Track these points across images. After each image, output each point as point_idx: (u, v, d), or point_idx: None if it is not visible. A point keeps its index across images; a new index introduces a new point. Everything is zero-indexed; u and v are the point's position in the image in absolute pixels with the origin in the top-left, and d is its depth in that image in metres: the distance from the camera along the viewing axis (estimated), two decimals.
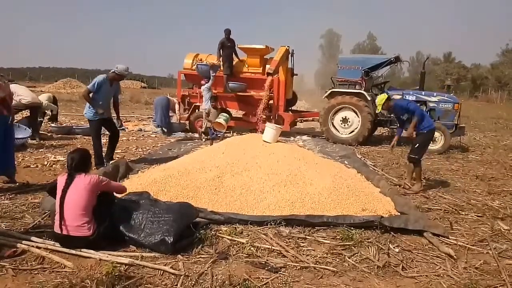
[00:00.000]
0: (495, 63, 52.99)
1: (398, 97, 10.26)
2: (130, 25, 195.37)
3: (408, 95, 10.25)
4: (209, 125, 9.29)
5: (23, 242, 3.49)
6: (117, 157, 7.45)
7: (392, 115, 9.39)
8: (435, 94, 10.41)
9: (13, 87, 9.11)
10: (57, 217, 3.42)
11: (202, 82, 10.68)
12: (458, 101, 10.26)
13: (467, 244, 4.02)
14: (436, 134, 9.36)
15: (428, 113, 9.77)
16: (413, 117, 5.87)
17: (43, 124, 10.38)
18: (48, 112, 11.23)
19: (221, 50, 11.04)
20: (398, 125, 6.48)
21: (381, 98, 6.17)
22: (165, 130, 10.99)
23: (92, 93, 6.36)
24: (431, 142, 9.24)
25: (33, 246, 3.44)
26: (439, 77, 49.55)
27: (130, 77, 52.76)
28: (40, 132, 9.38)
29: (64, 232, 3.39)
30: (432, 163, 8.27)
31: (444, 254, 3.73)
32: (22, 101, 8.74)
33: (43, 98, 10.44)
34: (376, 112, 6.80)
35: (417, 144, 5.95)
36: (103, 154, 6.69)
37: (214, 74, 10.55)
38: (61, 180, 3.53)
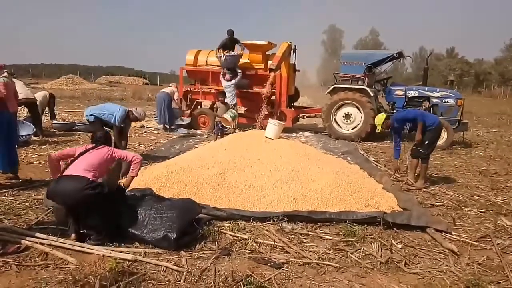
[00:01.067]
0: (499, 58, 52.76)
1: (401, 93, 10.25)
2: (132, 22, 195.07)
3: (411, 90, 10.22)
4: (217, 119, 9.29)
5: (27, 238, 3.50)
6: None
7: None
8: (438, 89, 10.37)
9: None
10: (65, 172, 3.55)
11: (227, 77, 10.57)
12: (461, 96, 10.23)
13: (470, 240, 4.01)
14: None
15: (431, 109, 9.79)
16: (417, 123, 5.91)
17: (44, 121, 10.39)
18: (46, 109, 11.21)
19: (220, 50, 11.00)
20: (395, 143, 6.31)
21: (380, 118, 6.21)
22: (168, 127, 10.99)
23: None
24: None
25: (36, 242, 3.45)
26: (442, 73, 49.30)
27: (132, 73, 52.85)
28: (43, 128, 9.39)
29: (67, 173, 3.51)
30: (435, 158, 8.24)
31: (447, 250, 3.72)
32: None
33: (39, 96, 10.44)
34: (377, 131, 6.77)
35: (427, 141, 5.95)
36: None
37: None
38: (80, 148, 3.76)
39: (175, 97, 11.43)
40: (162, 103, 10.86)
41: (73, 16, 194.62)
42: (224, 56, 10.58)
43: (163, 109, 10.87)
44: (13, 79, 9.27)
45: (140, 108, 6.67)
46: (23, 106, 8.70)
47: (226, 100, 10.08)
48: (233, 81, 10.46)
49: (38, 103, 9.86)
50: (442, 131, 9.24)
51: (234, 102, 10.47)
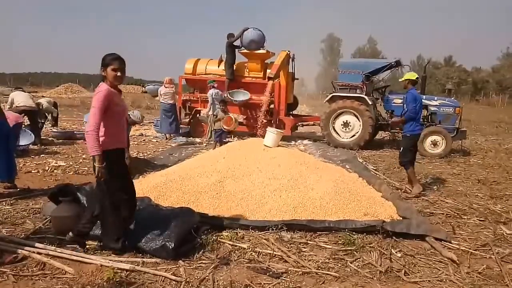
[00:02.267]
0: (496, 67, 53.01)
1: (399, 101, 10.28)
2: (131, 31, 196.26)
3: None
4: (217, 127, 9.29)
5: (24, 248, 3.48)
6: None
7: None
8: (436, 98, 10.42)
9: (12, 95, 9.18)
10: None
11: (214, 85, 10.52)
12: (459, 104, 10.28)
13: (469, 248, 4.00)
14: (438, 138, 9.39)
15: (429, 117, 9.83)
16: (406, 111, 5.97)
17: (44, 129, 10.40)
18: (49, 117, 11.26)
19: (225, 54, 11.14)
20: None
21: (413, 75, 6.12)
22: (170, 136, 10.97)
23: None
24: (433, 146, 9.32)
25: (34, 252, 3.43)
26: (440, 81, 49.50)
27: (131, 82, 52.91)
28: (41, 137, 9.39)
29: None
30: (434, 167, 8.25)
31: (446, 259, 3.71)
32: (18, 107, 8.77)
33: (44, 101, 10.49)
34: (399, 80, 6.68)
35: (402, 148, 6.09)
36: None
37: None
38: None
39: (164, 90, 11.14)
40: (171, 113, 10.86)
41: (73, 25, 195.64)
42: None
43: (165, 116, 10.86)
44: (15, 92, 9.37)
45: (137, 111, 6.64)
46: (23, 115, 8.71)
47: (204, 111, 10.14)
48: (217, 90, 10.42)
49: (44, 107, 9.91)
50: (441, 139, 9.33)
51: (211, 113, 10.19)
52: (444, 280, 3.34)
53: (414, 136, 6.01)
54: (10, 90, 21.67)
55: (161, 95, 11.08)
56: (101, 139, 3.28)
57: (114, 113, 3.36)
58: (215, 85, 10.48)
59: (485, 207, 5.43)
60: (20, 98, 8.97)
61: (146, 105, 23.64)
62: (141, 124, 11.04)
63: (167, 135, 11.07)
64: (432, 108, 9.97)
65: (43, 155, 8.02)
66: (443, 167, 8.24)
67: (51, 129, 10.84)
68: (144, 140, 10.83)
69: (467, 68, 55.57)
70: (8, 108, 8.92)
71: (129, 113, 6.58)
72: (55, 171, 6.73)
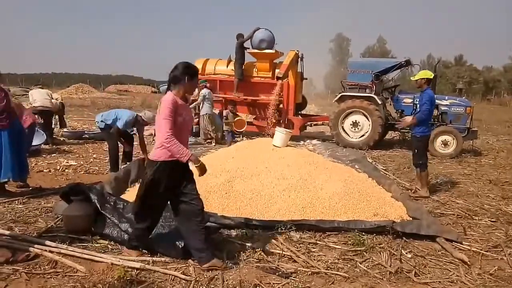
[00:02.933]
0: (508, 66, 52.28)
1: (409, 100, 10.20)
2: (141, 31, 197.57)
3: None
4: (228, 128, 9.37)
5: (36, 246, 3.52)
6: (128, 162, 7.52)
7: None
8: (446, 97, 10.31)
9: (31, 92, 9.34)
10: None
11: (206, 84, 10.52)
12: (470, 104, 10.16)
13: (481, 249, 3.96)
14: (448, 138, 9.30)
15: (440, 117, 9.74)
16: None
17: (54, 129, 10.52)
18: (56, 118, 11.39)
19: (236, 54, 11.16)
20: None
21: (429, 73, 5.97)
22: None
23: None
24: (444, 146, 9.24)
25: (46, 250, 3.47)
26: (451, 80, 48.95)
27: (141, 82, 53.29)
28: (53, 137, 9.51)
29: None
30: (445, 167, 8.18)
31: (457, 260, 3.68)
32: (35, 107, 8.90)
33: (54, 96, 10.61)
34: (411, 78, 6.55)
35: (416, 150, 5.98)
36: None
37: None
38: None
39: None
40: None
41: (83, 26, 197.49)
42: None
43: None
44: (38, 88, 9.49)
45: (148, 112, 6.65)
46: (39, 115, 8.84)
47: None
48: (202, 91, 10.31)
49: (55, 103, 10.03)
50: (452, 139, 9.25)
51: (204, 113, 10.17)
52: (455, 281, 3.31)
53: (424, 137, 5.95)
54: (21, 91, 22.01)
55: None
56: (159, 149, 3.24)
57: (177, 123, 3.23)
58: (207, 85, 10.52)
59: (497, 208, 5.37)
60: (37, 97, 9.09)
61: (156, 105, 23.79)
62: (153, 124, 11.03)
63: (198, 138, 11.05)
64: (443, 108, 9.87)
65: (55, 154, 8.12)
66: (454, 167, 8.16)
67: (61, 129, 10.94)
68: (153, 140, 10.88)
69: (478, 67, 54.94)
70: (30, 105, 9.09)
71: (140, 113, 6.62)
72: (66, 170, 6.82)
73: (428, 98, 5.76)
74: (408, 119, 6.02)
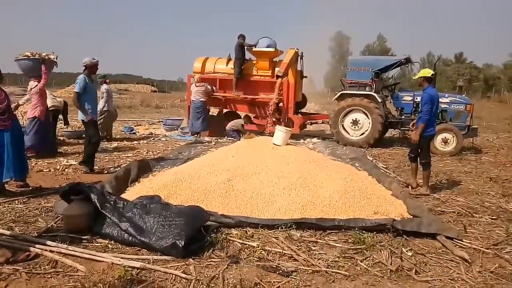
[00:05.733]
0: (508, 63, 52.25)
1: (409, 98, 10.19)
2: (140, 29, 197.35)
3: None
4: (229, 128, 9.56)
5: (37, 246, 3.52)
6: (128, 161, 7.51)
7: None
8: (446, 95, 10.30)
9: None
10: None
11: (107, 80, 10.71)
12: (470, 102, 10.15)
13: (481, 247, 3.95)
14: (448, 135, 9.30)
15: (440, 115, 9.72)
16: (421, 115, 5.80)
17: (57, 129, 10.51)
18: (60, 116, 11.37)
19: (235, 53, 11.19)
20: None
21: (427, 72, 5.92)
22: (201, 134, 11.03)
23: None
24: (444, 144, 9.25)
25: (46, 250, 3.47)
26: (451, 78, 48.93)
27: (140, 81, 53.25)
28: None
29: None
30: (445, 165, 8.17)
31: (458, 258, 3.67)
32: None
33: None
34: (413, 77, 6.49)
35: (420, 150, 5.94)
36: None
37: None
38: None
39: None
40: (202, 110, 10.92)
41: (81, 25, 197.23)
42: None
43: (202, 116, 10.93)
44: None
45: (86, 58, 6.62)
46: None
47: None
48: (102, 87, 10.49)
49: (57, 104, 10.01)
50: (452, 136, 9.25)
51: (106, 109, 10.38)
52: (455, 279, 3.31)
53: (429, 137, 5.93)
54: (21, 90, 21.96)
55: (192, 93, 11.17)
56: None
57: None
58: (107, 80, 10.82)
59: (497, 206, 5.37)
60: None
61: (155, 104, 23.80)
62: (150, 123, 11.05)
63: (201, 133, 11.07)
64: (443, 106, 9.84)
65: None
66: (454, 165, 8.15)
67: (62, 128, 10.93)
68: (153, 139, 10.89)
69: (478, 65, 54.89)
70: None
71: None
72: (66, 170, 6.81)
73: (428, 97, 5.74)
74: (414, 135, 5.90)
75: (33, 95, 7.88)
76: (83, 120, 6.62)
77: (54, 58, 8.01)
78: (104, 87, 10.41)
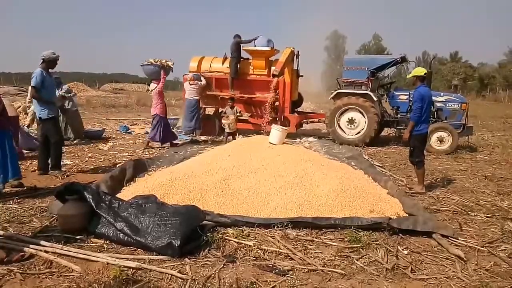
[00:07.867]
0: (503, 62, 52.53)
1: (405, 97, 10.22)
2: (135, 29, 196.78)
3: None
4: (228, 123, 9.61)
5: (31, 246, 3.50)
6: (124, 160, 7.48)
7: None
8: (442, 94, 10.34)
9: None
10: None
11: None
12: (466, 100, 10.19)
13: (477, 245, 3.97)
14: (444, 134, 9.33)
15: (435, 113, 9.75)
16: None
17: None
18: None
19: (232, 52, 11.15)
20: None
21: (420, 71, 5.93)
22: (196, 133, 10.90)
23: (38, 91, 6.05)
24: (440, 142, 9.28)
25: (41, 250, 3.45)
26: (446, 77, 49.12)
27: (136, 80, 53.07)
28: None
29: None
30: (440, 163, 8.20)
31: (453, 256, 3.69)
32: None
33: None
34: (407, 76, 6.49)
35: (412, 148, 5.94)
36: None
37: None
38: None
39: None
40: (195, 109, 10.78)
41: (76, 24, 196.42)
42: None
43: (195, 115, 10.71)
44: None
45: (45, 51, 6.14)
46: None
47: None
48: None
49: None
50: (447, 135, 9.28)
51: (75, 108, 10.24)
52: (451, 277, 3.32)
53: (420, 136, 5.93)
54: (16, 90, 21.88)
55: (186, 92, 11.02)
56: None
57: None
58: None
59: (492, 204, 5.39)
60: None
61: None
62: (146, 122, 10.90)
63: (196, 132, 10.89)
64: (438, 104, 9.89)
65: None
66: (449, 164, 8.18)
67: None
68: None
69: (473, 64, 55.14)
70: None
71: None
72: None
73: (418, 96, 5.76)
74: (405, 133, 5.93)
75: (153, 95, 9.35)
76: (40, 117, 6.22)
77: (171, 65, 9.38)
78: (65, 86, 10.17)
